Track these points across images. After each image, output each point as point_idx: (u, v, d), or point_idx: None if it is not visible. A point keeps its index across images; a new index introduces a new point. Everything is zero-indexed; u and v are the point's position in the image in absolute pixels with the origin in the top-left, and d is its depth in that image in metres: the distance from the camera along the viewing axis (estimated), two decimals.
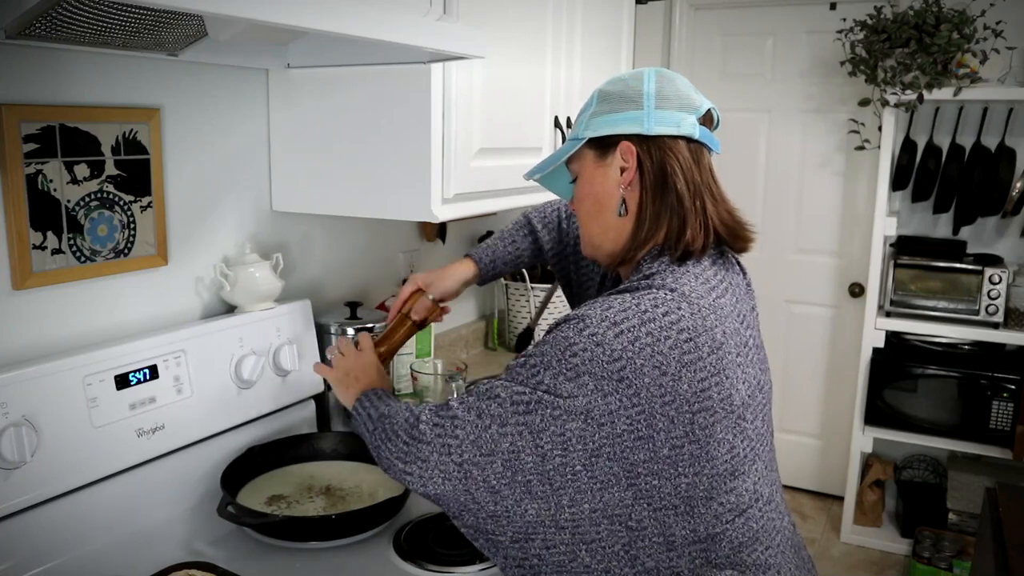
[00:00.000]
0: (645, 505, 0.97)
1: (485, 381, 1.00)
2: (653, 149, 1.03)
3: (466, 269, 1.42)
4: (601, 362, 0.91)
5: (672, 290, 0.97)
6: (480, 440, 0.96)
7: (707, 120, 1.07)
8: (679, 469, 0.95)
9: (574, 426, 0.92)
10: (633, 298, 0.96)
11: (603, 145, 1.06)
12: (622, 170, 1.05)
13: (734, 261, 1.12)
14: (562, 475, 0.95)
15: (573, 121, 1.14)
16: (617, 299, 0.96)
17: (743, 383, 1.00)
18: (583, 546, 0.98)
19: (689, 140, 1.04)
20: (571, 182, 1.13)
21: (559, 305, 2.35)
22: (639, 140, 1.03)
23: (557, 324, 0.98)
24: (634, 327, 0.93)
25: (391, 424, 1.05)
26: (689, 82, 1.09)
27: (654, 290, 0.97)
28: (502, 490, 0.97)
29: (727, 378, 0.97)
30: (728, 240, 1.07)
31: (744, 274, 1.14)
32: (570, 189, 1.14)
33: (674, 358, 0.93)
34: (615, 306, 0.95)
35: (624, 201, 1.05)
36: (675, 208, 1.03)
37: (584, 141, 1.07)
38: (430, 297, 1.39)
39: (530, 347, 0.99)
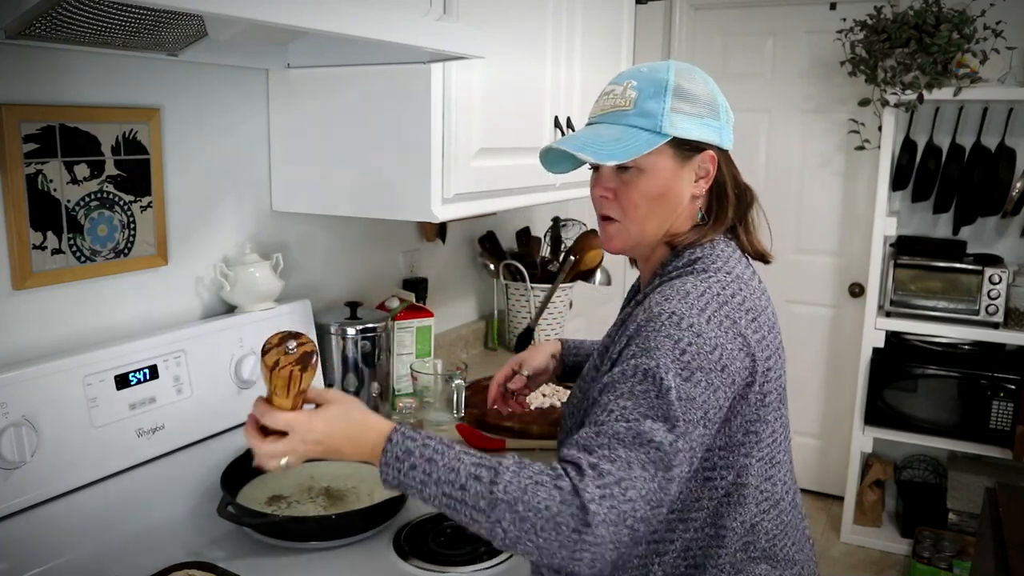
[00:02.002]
0: (708, 497, 0.98)
1: (601, 418, 0.90)
2: (725, 162, 1.08)
3: (552, 345, 1.42)
4: (705, 353, 0.92)
5: (728, 272, 1.01)
6: (651, 494, 0.87)
7: None
8: (743, 451, 0.98)
9: (698, 433, 0.91)
10: (701, 281, 0.99)
11: (685, 148, 1.04)
12: (697, 176, 1.06)
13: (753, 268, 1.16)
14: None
15: (618, 98, 1.06)
16: (686, 284, 0.98)
17: (783, 372, 1.05)
18: (652, 550, 1.00)
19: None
20: (620, 168, 1.06)
21: (559, 305, 2.35)
22: (717, 151, 1.07)
23: (639, 322, 0.95)
24: (717, 311, 0.95)
25: (536, 510, 0.84)
26: None
27: (711, 273, 1.01)
28: None
29: (780, 359, 1.03)
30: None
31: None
32: (577, 165, 1.11)
33: (749, 338, 0.96)
34: (692, 291, 0.96)
35: (703, 205, 1.08)
36: (730, 212, 1.08)
37: (669, 138, 1.03)
38: (525, 373, 1.37)
39: (618, 363, 0.95)
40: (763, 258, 1.14)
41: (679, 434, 0.88)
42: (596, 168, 1.10)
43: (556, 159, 1.12)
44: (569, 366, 1.41)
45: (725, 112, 1.08)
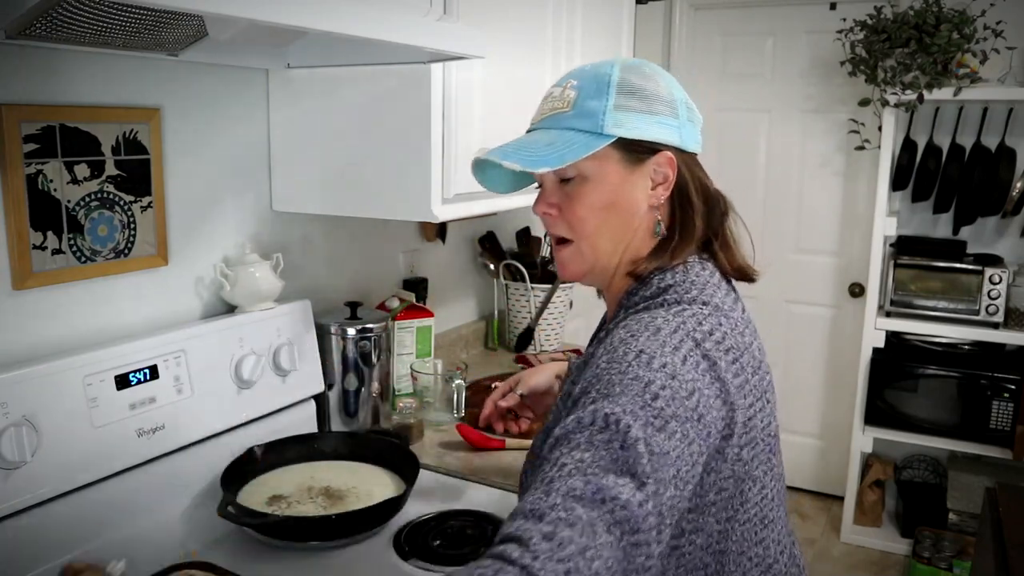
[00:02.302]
0: (675, 565, 0.83)
1: (552, 474, 0.70)
2: (686, 165, 0.94)
3: (559, 366, 1.31)
4: (681, 399, 0.75)
5: (705, 303, 0.86)
6: (617, 564, 0.67)
7: None
8: (717, 516, 0.83)
9: (669, 494, 0.72)
10: (674, 315, 0.83)
11: (634, 150, 0.92)
12: (653, 183, 0.93)
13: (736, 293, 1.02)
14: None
15: (557, 101, 0.95)
16: (656, 319, 0.83)
17: (776, 411, 0.89)
18: None
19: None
20: (562, 180, 0.95)
21: (559, 305, 2.35)
22: (676, 153, 0.93)
23: (600, 366, 0.79)
24: (693, 349, 0.80)
25: None
26: None
27: (686, 305, 0.85)
28: None
29: (768, 403, 0.87)
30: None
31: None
32: (517, 182, 1.01)
33: (729, 382, 0.81)
34: (663, 327, 0.81)
35: (660, 218, 0.94)
36: (699, 224, 0.94)
37: (613, 139, 0.90)
38: (520, 392, 1.28)
39: (571, 418, 0.75)
40: (746, 276, 0.99)
41: (649, 494, 0.69)
42: (541, 184, 0.98)
43: (493, 176, 1.02)
44: None
45: (687, 110, 0.95)
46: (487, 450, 1.63)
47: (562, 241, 0.97)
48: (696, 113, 0.98)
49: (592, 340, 1.04)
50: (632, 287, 0.93)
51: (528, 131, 0.97)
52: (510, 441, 1.64)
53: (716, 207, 0.96)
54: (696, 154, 0.97)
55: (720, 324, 0.85)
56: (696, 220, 0.94)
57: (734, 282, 1.01)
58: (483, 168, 1.00)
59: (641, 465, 0.70)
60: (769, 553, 0.89)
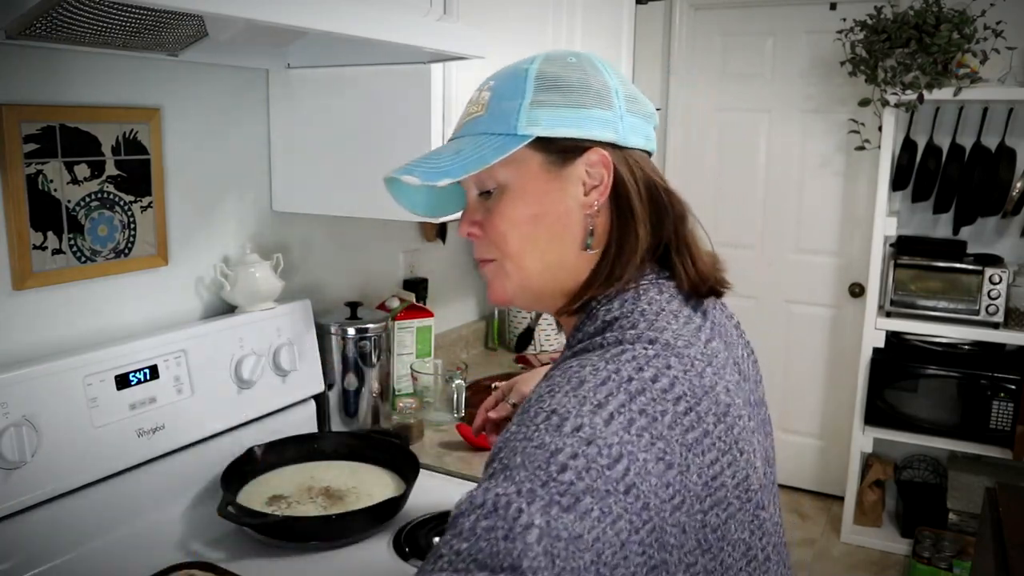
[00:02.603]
0: None
1: (427, 567, 0.58)
2: (626, 164, 0.80)
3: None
4: (600, 469, 0.61)
5: (652, 342, 0.70)
6: None
7: None
8: None
9: None
10: (605, 363, 0.68)
11: (559, 150, 0.79)
12: (586, 187, 0.79)
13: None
14: None
15: (473, 105, 0.84)
16: (585, 368, 0.68)
17: (759, 456, 0.74)
18: None
19: (648, 154, 0.84)
20: (481, 193, 0.84)
21: None
22: (613, 150, 0.79)
23: (510, 430, 0.66)
24: (623, 405, 0.65)
25: None
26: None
27: (627, 345, 0.70)
28: None
29: (741, 453, 0.70)
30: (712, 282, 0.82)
31: (723, 306, 0.88)
32: (453, 202, 0.89)
33: (676, 440, 0.65)
34: (589, 380, 0.66)
35: (592, 229, 0.79)
36: (649, 237, 0.80)
37: (529, 140, 0.78)
38: (512, 401, 1.18)
39: (465, 496, 0.62)
40: (713, 290, 0.82)
41: None
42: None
43: (413, 195, 0.91)
44: None
45: (624, 99, 0.80)
46: (487, 450, 1.63)
47: (484, 261, 0.85)
48: (644, 105, 0.83)
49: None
50: (579, 321, 0.80)
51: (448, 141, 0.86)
52: None
53: (666, 212, 0.81)
54: (646, 152, 0.84)
55: (669, 367, 0.68)
56: (639, 229, 0.79)
57: (733, 318, 0.88)
58: (398, 187, 0.88)
59: (528, 558, 0.55)
60: None
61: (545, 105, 0.78)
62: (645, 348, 0.70)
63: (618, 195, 0.80)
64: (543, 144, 0.78)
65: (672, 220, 0.81)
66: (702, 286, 0.80)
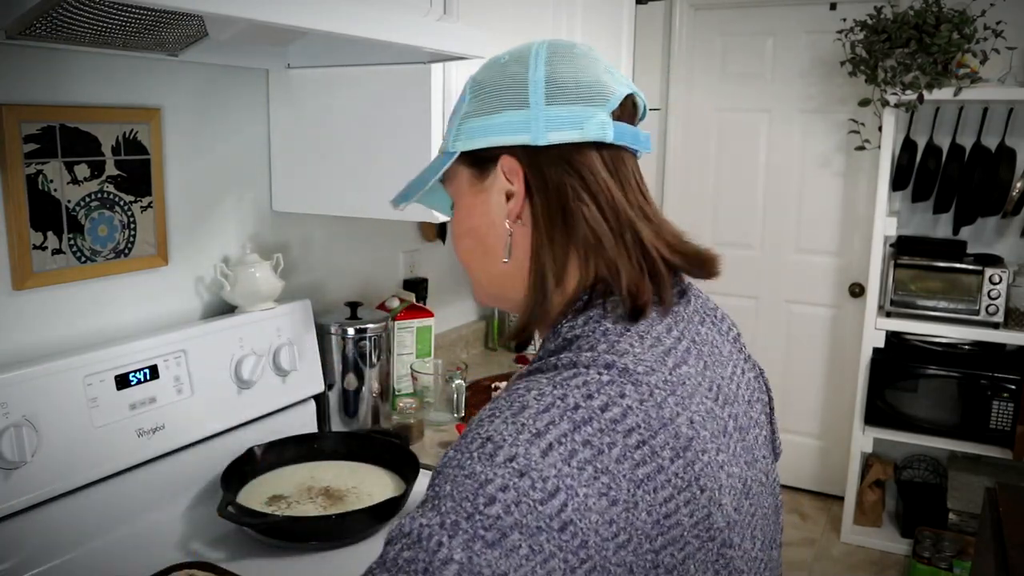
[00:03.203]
0: None
1: None
2: (548, 165, 0.72)
3: None
4: (532, 504, 0.57)
5: (608, 366, 0.64)
6: None
7: (627, 111, 0.76)
8: None
9: None
10: (553, 387, 0.63)
11: (479, 161, 0.76)
12: (508, 196, 0.75)
13: (703, 300, 0.80)
14: None
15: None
16: (530, 392, 0.63)
17: (728, 492, 0.67)
18: None
19: (601, 145, 0.73)
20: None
21: None
22: (527, 153, 0.73)
23: (448, 454, 0.62)
24: (565, 435, 0.60)
25: None
26: (599, 55, 0.77)
27: (580, 369, 0.64)
28: None
29: (702, 491, 0.64)
30: (687, 269, 0.76)
31: (718, 319, 0.80)
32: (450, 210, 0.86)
33: (624, 476, 0.60)
34: (531, 405, 0.62)
35: (510, 240, 0.75)
36: (591, 246, 0.72)
37: (456, 156, 0.77)
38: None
39: (396, 523, 0.61)
40: (707, 270, 0.76)
41: None
42: None
43: (425, 198, 0.88)
44: None
45: (543, 89, 0.72)
46: None
47: None
48: (570, 90, 0.73)
49: None
50: (545, 337, 0.74)
51: None
52: None
53: (577, 223, 0.72)
54: (568, 145, 0.72)
55: (623, 396, 0.63)
56: (547, 242, 0.73)
57: (723, 323, 0.80)
58: (426, 197, 0.87)
59: None
60: None
61: (470, 116, 0.76)
62: (599, 373, 0.64)
63: (533, 201, 0.74)
64: (467, 158, 0.76)
65: (584, 232, 0.72)
66: (639, 303, 0.70)
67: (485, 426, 0.62)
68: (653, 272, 0.72)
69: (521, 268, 0.75)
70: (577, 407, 0.61)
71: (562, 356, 0.67)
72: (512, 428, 0.60)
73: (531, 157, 0.73)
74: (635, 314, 0.69)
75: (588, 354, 0.66)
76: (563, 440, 0.60)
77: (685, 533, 0.63)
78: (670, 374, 0.67)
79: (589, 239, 0.72)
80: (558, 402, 0.62)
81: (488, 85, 0.75)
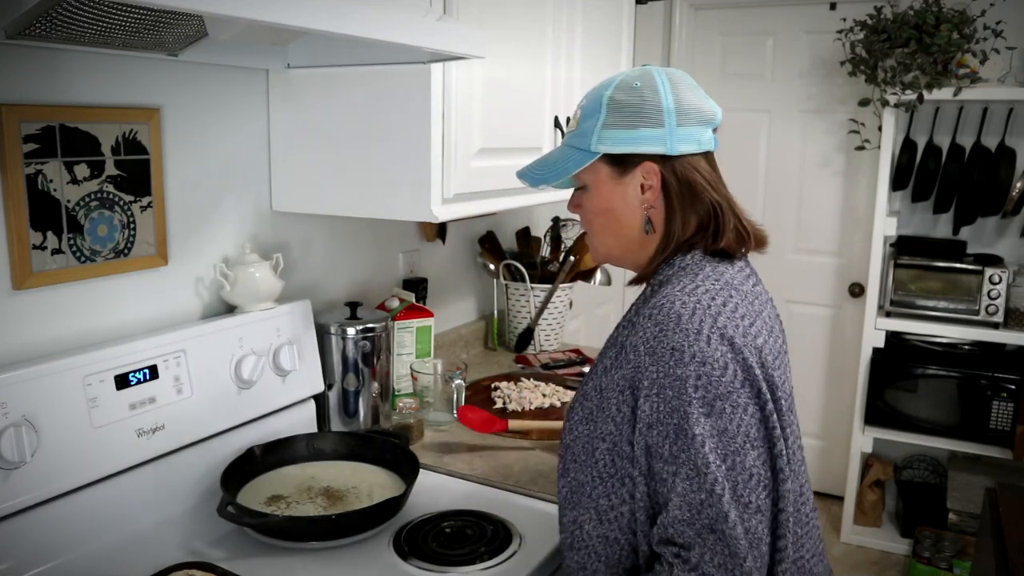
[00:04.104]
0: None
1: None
2: (677, 167, 1.03)
3: None
4: (716, 379, 0.91)
5: (717, 279, 0.99)
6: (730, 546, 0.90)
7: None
8: (758, 479, 0.93)
9: (751, 458, 0.92)
10: (688, 295, 0.96)
11: (621, 162, 1.04)
12: (643, 187, 1.04)
13: (750, 269, 1.12)
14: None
15: (572, 121, 1.10)
16: (675, 304, 0.94)
17: (788, 377, 1.03)
18: None
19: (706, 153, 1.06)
20: (577, 187, 1.12)
21: (559, 305, 2.35)
22: (661, 160, 1.03)
23: (647, 366, 0.94)
24: (712, 329, 0.93)
25: None
26: (694, 82, 1.07)
27: (699, 282, 0.98)
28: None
29: (785, 363, 1.02)
30: (752, 245, 1.09)
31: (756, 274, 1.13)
32: (567, 182, 1.13)
33: (749, 343, 0.95)
34: (683, 313, 0.93)
35: (650, 220, 1.06)
36: (708, 219, 1.04)
37: (598, 155, 1.05)
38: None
39: (651, 422, 0.94)
40: (759, 244, 1.11)
41: (712, 480, 0.90)
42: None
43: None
44: None
45: (674, 115, 1.02)
46: (494, 434, 1.64)
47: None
48: (693, 116, 1.03)
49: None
50: (658, 269, 1.06)
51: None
52: (513, 423, 1.64)
53: (702, 204, 1.04)
54: (690, 155, 1.04)
55: (731, 296, 0.98)
56: (679, 218, 1.04)
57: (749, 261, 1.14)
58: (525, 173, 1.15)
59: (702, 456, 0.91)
60: (804, 510, 1.03)
61: (611, 127, 1.03)
62: (714, 282, 1.00)
63: (667, 194, 1.04)
64: (609, 158, 1.05)
65: (708, 208, 1.04)
66: (740, 247, 1.07)
67: (662, 340, 0.93)
68: (743, 233, 1.07)
69: (651, 239, 1.06)
70: (709, 306, 0.95)
71: (682, 275, 1.01)
72: (680, 334, 0.92)
73: (665, 162, 1.03)
74: (725, 256, 1.05)
75: (703, 272, 1.01)
76: (713, 332, 0.93)
77: (779, 393, 0.98)
78: (752, 286, 1.06)
79: (708, 214, 1.04)
80: (696, 306, 0.95)
81: (627, 105, 1.02)
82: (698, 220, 1.05)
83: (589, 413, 1.05)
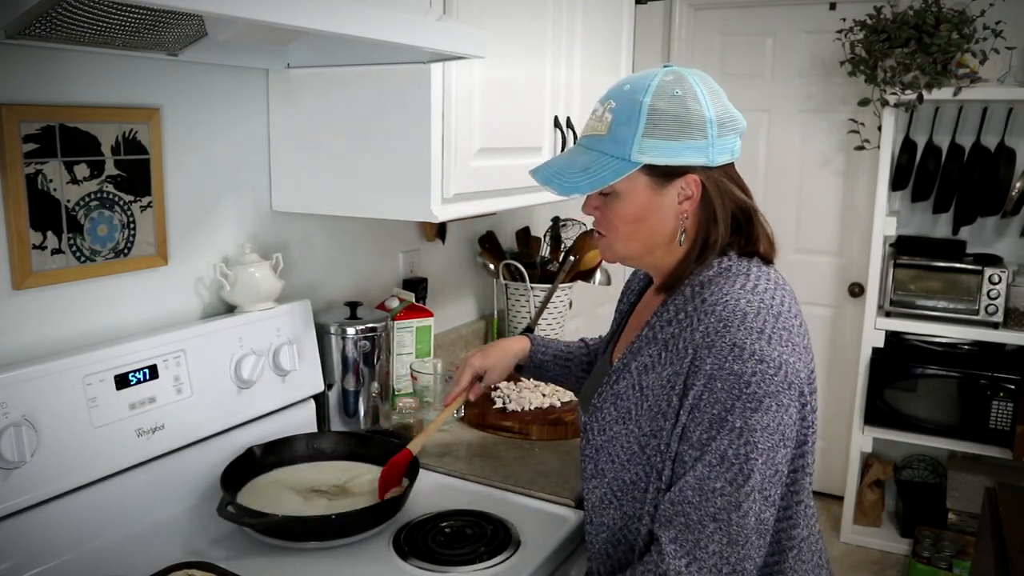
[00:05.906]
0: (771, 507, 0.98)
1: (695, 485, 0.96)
2: (715, 176, 1.03)
3: (520, 345, 1.47)
4: (770, 378, 0.93)
5: (769, 278, 1.02)
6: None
7: None
8: (792, 462, 1.00)
9: (780, 455, 0.96)
10: (747, 292, 0.98)
11: (662, 174, 1.02)
12: (680, 198, 1.03)
13: None
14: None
15: (597, 122, 1.05)
16: (740, 303, 0.97)
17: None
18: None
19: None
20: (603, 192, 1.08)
21: (559, 305, 2.35)
22: (703, 170, 1.02)
23: (703, 357, 0.95)
24: (775, 325, 0.96)
25: None
26: (719, 86, 1.07)
27: (755, 281, 1.01)
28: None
29: (811, 353, 1.04)
30: (776, 249, 1.12)
31: None
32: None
33: (799, 343, 0.98)
34: (748, 311, 0.96)
35: (684, 225, 1.05)
36: (741, 224, 1.06)
37: (639, 166, 1.01)
38: (482, 385, 1.47)
39: (696, 411, 0.96)
40: (767, 260, 1.11)
41: (748, 471, 0.94)
42: None
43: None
44: (536, 364, 1.47)
45: (717, 127, 1.01)
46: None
47: (600, 232, 1.12)
48: (735, 122, 1.04)
49: (632, 297, 1.27)
50: (691, 268, 1.07)
51: (577, 143, 1.09)
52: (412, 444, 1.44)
53: (741, 213, 1.06)
54: (728, 164, 1.05)
55: (785, 296, 1.02)
56: (720, 228, 1.04)
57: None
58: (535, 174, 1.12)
59: (737, 446, 0.94)
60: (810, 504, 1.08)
61: (652, 137, 0.99)
62: (767, 282, 1.03)
63: (706, 205, 1.04)
64: (650, 168, 1.01)
65: (744, 218, 1.06)
66: (764, 253, 1.08)
67: (724, 336, 0.95)
68: (770, 237, 1.09)
69: (672, 246, 1.06)
70: (771, 306, 0.98)
71: (731, 273, 1.02)
72: (744, 331, 0.94)
73: (707, 173, 1.02)
74: (762, 258, 1.07)
75: (755, 272, 1.03)
76: (775, 331, 0.96)
77: (814, 382, 1.03)
78: (784, 286, 1.06)
79: (741, 220, 1.06)
80: (761, 306, 0.97)
81: (671, 115, 0.99)
82: (733, 226, 1.06)
83: (627, 412, 1.04)
